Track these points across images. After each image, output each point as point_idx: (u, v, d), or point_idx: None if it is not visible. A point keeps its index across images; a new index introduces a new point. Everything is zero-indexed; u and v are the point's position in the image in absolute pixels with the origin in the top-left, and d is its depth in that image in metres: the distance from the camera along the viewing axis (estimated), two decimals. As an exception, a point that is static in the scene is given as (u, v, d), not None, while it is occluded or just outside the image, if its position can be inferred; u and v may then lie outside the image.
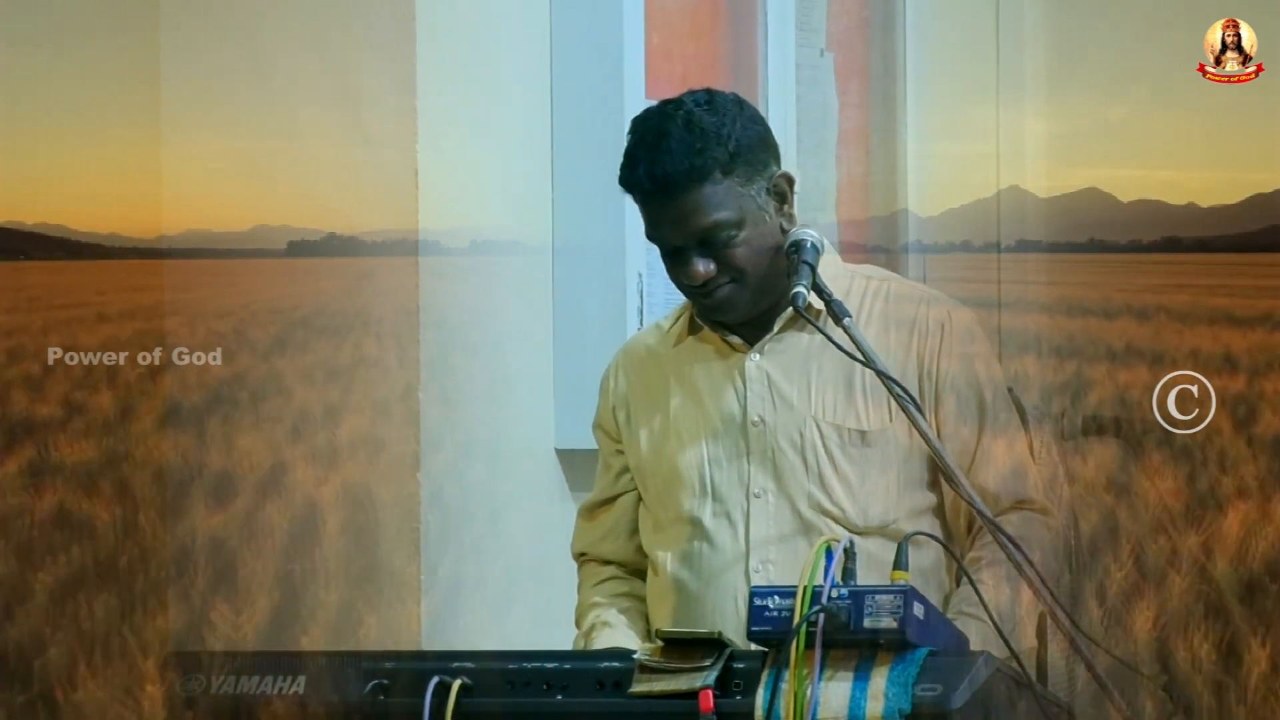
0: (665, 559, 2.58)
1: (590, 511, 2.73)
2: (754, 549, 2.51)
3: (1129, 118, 4.16)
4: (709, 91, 2.52)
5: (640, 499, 2.67)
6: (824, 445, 2.50)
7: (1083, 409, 3.97)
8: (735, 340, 2.56)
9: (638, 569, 2.68)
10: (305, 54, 3.05)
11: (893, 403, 2.49)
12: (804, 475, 2.51)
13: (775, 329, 2.54)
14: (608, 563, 2.71)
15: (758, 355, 2.55)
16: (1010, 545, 2.22)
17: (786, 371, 2.54)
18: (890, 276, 2.63)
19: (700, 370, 2.59)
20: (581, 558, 2.75)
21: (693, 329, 2.61)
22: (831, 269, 2.50)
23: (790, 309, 2.51)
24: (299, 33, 3.05)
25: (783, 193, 2.53)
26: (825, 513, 2.50)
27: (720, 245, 2.47)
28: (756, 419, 2.54)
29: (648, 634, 2.61)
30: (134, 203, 2.92)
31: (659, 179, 2.44)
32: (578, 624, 2.68)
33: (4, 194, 2.83)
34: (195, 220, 2.97)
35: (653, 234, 2.51)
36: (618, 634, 2.60)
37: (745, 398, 2.54)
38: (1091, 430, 3.81)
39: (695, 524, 2.55)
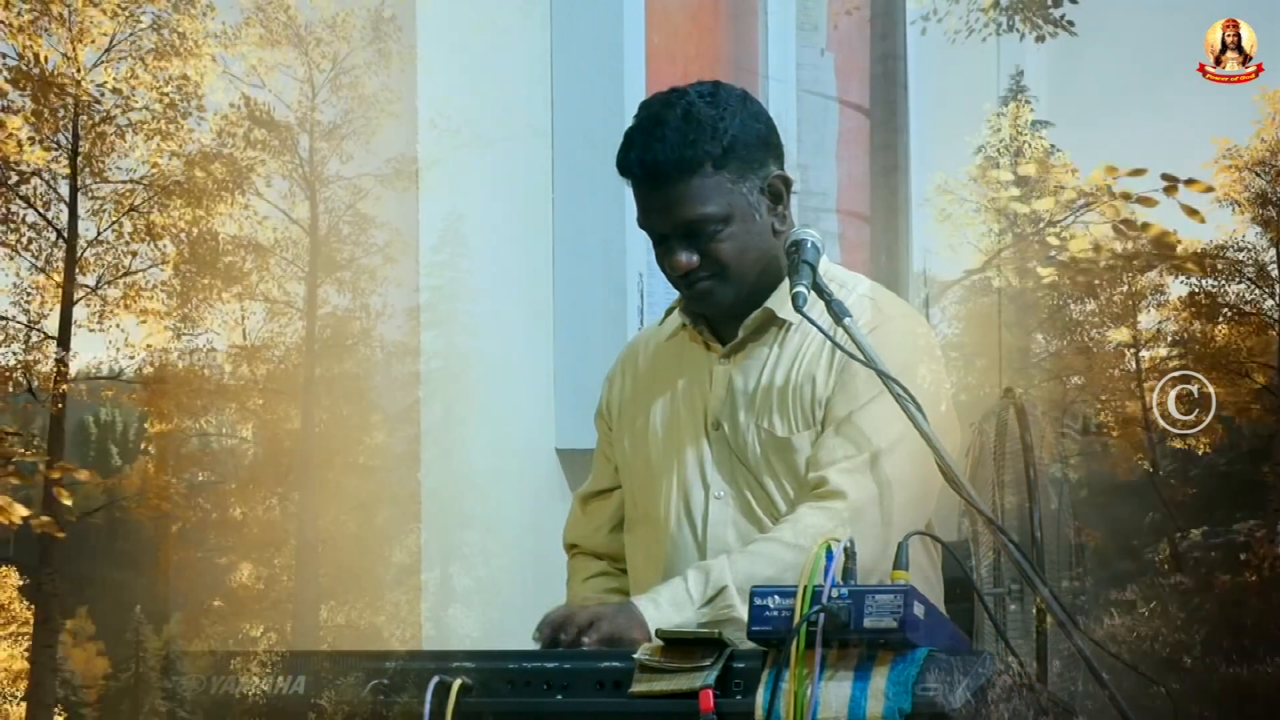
0: (636, 557, 2.58)
1: (585, 501, 2.71)
2: (710, 552, 2.50)
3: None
4: (715, 84, 2.48)
5: None
6: (762, 451, 2.49)
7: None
8: (715, 344, 2.55)
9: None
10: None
11: (802, 413, 2.48)
12: (752, 480, 2.50)
13: (739, 335, 2.52)
14: (599, 557, 2.70)
15: (725, 361, 2.54)
16: (1011, 546, 2.20)
17: (746, 378, 2.52)
18: (859, 285, 2.56)
19: (679, 373, 2.58)
20: (573, 549, 2.73)
21: (685, 321, 2.60)
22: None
23: (755, 315, 2.50)
24: (299, 33, 3.04)
25: (778, 193, 2.50)
26: (771, 516, 2.48)
27: (705, 238, 2.44)
28: (716, 423, 2.53)
29: None
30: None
31: (649, 165, 2.42)
32: None
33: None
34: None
35: (642, 220, 2.49)
36: None
37: (709, 402, 2.54)
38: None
39: (661, 524, 2.54)
